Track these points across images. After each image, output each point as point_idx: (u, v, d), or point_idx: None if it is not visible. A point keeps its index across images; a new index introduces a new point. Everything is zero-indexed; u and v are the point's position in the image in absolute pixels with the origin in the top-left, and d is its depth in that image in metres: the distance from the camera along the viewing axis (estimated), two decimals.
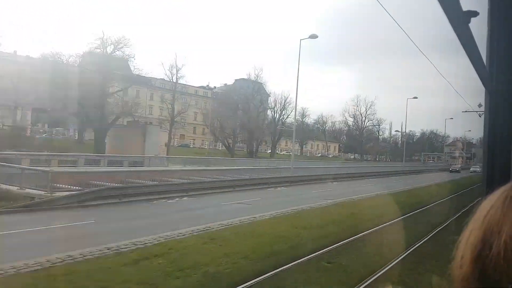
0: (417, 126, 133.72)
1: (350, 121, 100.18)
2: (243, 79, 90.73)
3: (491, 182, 1.40)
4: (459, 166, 64.73)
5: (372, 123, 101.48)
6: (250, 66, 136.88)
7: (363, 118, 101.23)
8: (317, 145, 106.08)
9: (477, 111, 21.11)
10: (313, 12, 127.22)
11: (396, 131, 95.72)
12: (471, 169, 65.21)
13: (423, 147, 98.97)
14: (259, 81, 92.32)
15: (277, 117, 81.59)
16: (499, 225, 0.57)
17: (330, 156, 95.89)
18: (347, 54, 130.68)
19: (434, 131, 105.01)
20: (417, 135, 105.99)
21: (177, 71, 61.94)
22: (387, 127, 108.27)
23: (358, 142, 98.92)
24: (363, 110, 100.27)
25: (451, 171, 58.31)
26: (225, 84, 79.66)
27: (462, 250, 0.61)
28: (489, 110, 1.43)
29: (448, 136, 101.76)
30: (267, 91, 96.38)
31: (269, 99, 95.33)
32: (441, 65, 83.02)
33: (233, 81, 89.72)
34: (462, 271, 0.60)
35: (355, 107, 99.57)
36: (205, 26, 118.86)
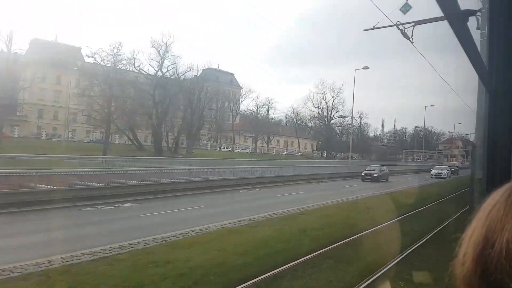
0: (413, 124, 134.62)
1: (314, 112, 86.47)
2: (211, 68, 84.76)
3: (491, 181, 1.44)
4: (379, 169, 39.26)
5: (343, 114, 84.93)
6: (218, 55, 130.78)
7: (330, 109, 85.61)
8: (292, 142, 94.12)
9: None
10: (310, 12, 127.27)
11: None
12: (433, 171, 47.64)
13: (416, 145, 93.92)
14: (229, 71, 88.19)
15: (194, 101, 62.20)
16: (502, 223, 0.58)
17: (298, 154, 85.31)
18: (346, 53, 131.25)
19: (429, 129, 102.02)
20: (410, 132, 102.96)
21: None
22: (379, 124, 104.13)
23: (325, 138, 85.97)
24: (329, 98, 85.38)
25: (364, 179, 36.86)
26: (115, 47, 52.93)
27: (465, 248, 0.63)
28: (489, 109, 1.47)
29: (443, 134, 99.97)
30: (238, 83, 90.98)
31: (241, 92, 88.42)
32: (440, 64, 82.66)
33: (201, 71, 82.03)
34: (464, 268, 0.62)
35: (320, 95, 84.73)
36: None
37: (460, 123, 75.76)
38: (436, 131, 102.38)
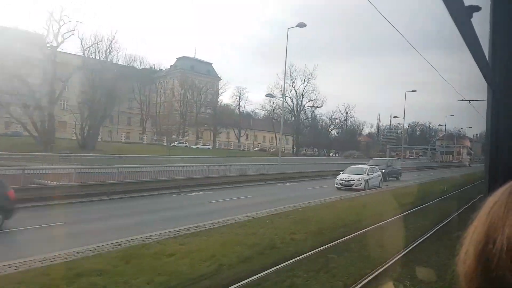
0: (411, 120, 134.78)
1: (281, 100, 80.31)
2: (185, 57, 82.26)
3: (494, 178, 1.44)
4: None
5: (316, 103, 75.59)
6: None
7: (300, 97, 74.95)
8: (271, 137, 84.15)
9: None
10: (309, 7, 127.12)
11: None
12: (339, 177, 26.91)
13: (410, 141, 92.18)
14: (206, 60, 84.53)
15: (95, 82, 50.68)
16: (503, 220, 0.59)
17: (272, 150, 75.51)
18: (348, 50, 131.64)
19: (426, 125, 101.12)
20: (406, 128, 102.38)
21: None
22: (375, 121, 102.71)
23: (295, 131, 75.86)
24: (299, 85, 74.70)
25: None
26: None
27: (466, 246, 0.65)
28: (492, 105, 1.48)
29: (440, 130, 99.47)
30: (217, 73, 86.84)
31: (220, 83, 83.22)
32: (443, 60, 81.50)
33: (175, 59, 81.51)
34: (465, 266, 0.64)
35: (289, 82, 73.59)
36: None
37: (452, 115, 71.76)
38: (434, 127, 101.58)
